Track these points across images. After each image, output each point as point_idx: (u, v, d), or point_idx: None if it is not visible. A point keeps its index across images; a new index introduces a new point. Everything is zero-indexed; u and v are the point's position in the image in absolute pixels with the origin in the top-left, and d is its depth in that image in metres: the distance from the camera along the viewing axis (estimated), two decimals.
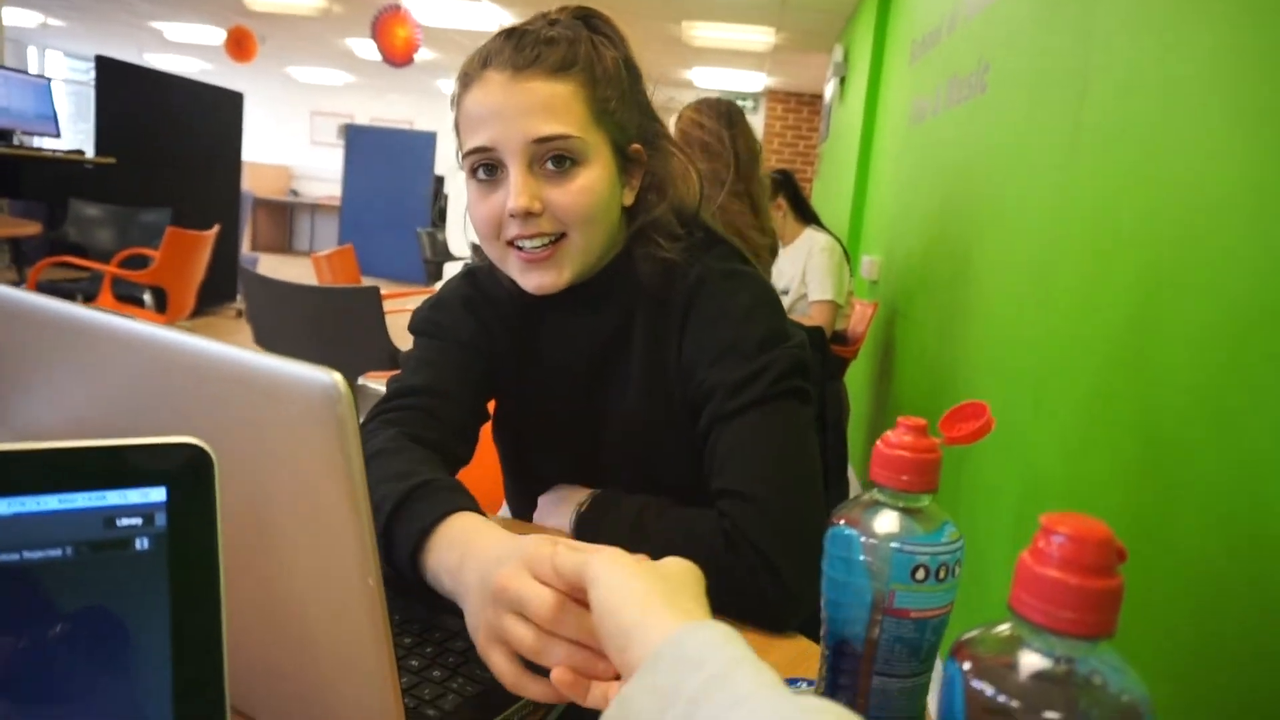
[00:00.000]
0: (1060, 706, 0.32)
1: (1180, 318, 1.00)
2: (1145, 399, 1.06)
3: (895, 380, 2.84)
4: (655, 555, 0.56)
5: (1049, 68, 1.56)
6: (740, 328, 0.80)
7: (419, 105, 10.55)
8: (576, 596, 0.46)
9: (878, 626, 0.46)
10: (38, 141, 4.79)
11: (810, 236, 2.77)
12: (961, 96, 2.21)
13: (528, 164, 0.76)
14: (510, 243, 0.79)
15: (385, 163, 8.41)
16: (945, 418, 0.48)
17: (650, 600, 0.42)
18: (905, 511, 0.46)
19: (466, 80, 0.79)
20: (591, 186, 0.77)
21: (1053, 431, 1.33)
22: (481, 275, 0.89)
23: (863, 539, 0.46)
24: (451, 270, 6.71)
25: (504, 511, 1.11)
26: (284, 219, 10.69)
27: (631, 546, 0.49)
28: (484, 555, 0.54)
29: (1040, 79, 1.61)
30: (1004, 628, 0.34)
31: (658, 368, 0.84)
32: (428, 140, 8.42)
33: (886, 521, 0.46)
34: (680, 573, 0.47)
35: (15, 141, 4.38)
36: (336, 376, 0.39)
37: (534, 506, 0.91)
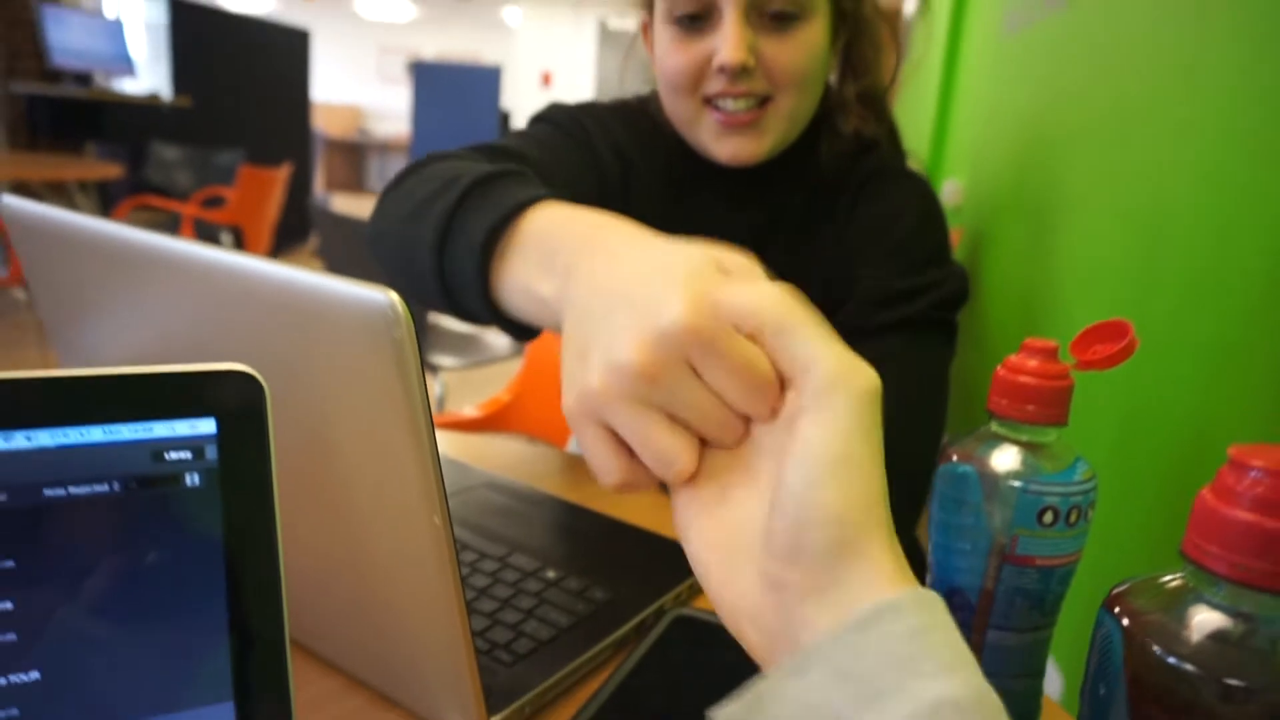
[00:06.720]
0: (1247, 672, 0.26)
1: None
2: None
3: (979, 312, 2.72)
4: None
5: None
6: (912, 233, 0.72)
7: (484, 38, 10.46)
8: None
9: (995, 575, 0.41)
10: (117, 83, 4.88)
11: None
12: None
13: (745, 11, 0.67)
14: (708, 101, 0.70)
15: (452, 99, 8.36)
16: (1078, 339, 0.42)
17: (872, 511, 0.26)
18: (1029, 446, 0.41)
19: None
20: (811, 45, 0.69)
21: (1166, 368, 1.23)
22: (655, 106, 0.77)
23: (981, 477, 0.41)
24: None
25: (575, 445, 1.08)
26: (355, 159, 10.80)
27: None
28: (617, 250, 0.35)
29: None
30: (1169, 578, 0.29)
31: (808, 256, 0.76)
32: (493, 75, 8.34)
33: (1008, 458, 0.41)
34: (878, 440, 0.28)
35: (95, 84, 4.47)
36: (393, 296, 0.35)
37: None
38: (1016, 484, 0.40)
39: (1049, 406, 0.40)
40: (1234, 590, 0.27)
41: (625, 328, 0.30)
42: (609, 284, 0.33)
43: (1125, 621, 0.29)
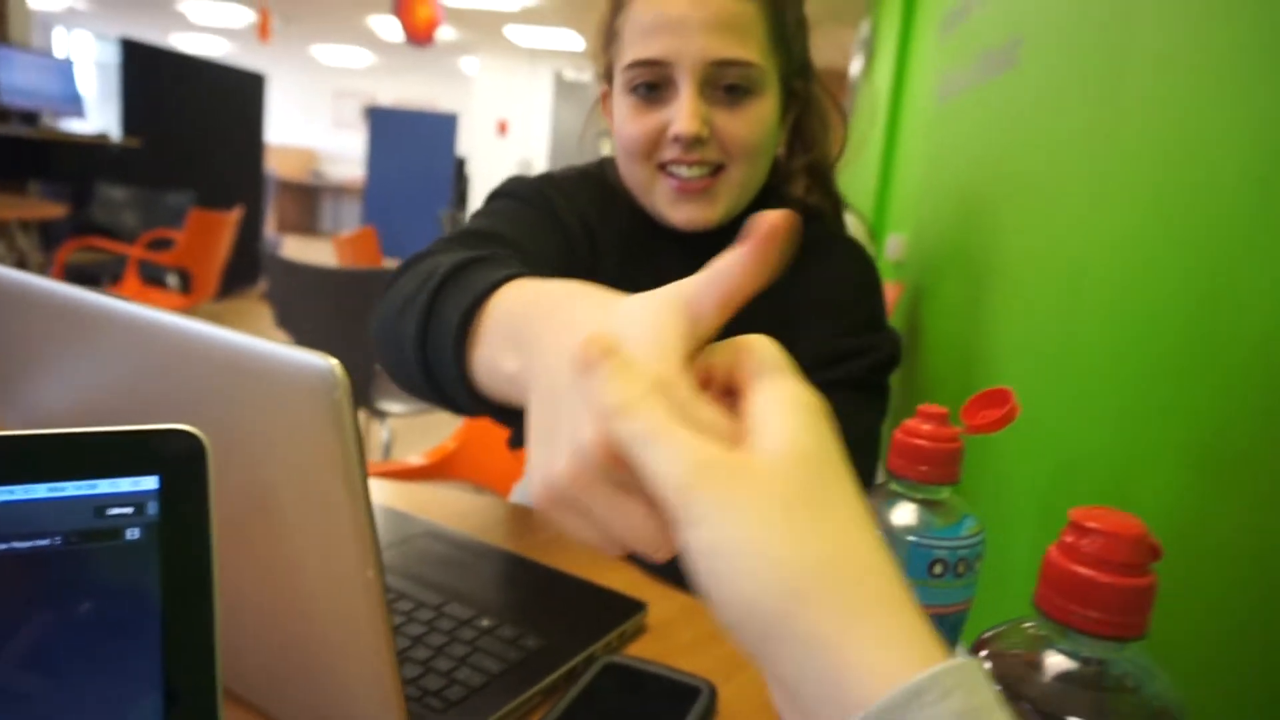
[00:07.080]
0: (1087, 710, 0.30)
1: (1246, 310, 0.95)
2: (1203, 395, 1.02)
3: (920, 366, 2.80)
4: None
5: (1084, 38, 1.51)
6: (851, 298, 0.77)
7: (441, 86, 10.55)
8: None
9: None
10: (65, 123, 4.82)
11: None
12: (992, 71, 2.16)
13: (700, 86, 0.71)
14: (662, 167, 0.74)
15: (408, 144, 8.41)
16: (967, 405, 0.46)
17: (821, 576, 0.24)
18: (924, 504, 0.45)
19: None
20: (762, 118, 0.73)
21: (1089, 422, 1.29)
22: (613, 173, 0.80)
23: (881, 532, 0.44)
24: None
25: (518, 494, 1.10)
26: (308, 202, 10.75)
27: None
28: (577, 319, 0.35)
29: (1075, 50, 1.56)
30: (1029, 625, 0.33)
31: (757, 316, 0.80)
32: (449, 122, 8.42)
33: (904, 514, 0.44)
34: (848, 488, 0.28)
35: (43, 124, 4.42)
36: (333, 362, 0.37)
37: None
38: (911, 539, 0.43)
39: (941, 467, 0.44)
40: (1079, 638, 0.31)
41: (583, 407, 0.29)
42: (567, 361, 0.31)
43: (987, 666, 0.32)
